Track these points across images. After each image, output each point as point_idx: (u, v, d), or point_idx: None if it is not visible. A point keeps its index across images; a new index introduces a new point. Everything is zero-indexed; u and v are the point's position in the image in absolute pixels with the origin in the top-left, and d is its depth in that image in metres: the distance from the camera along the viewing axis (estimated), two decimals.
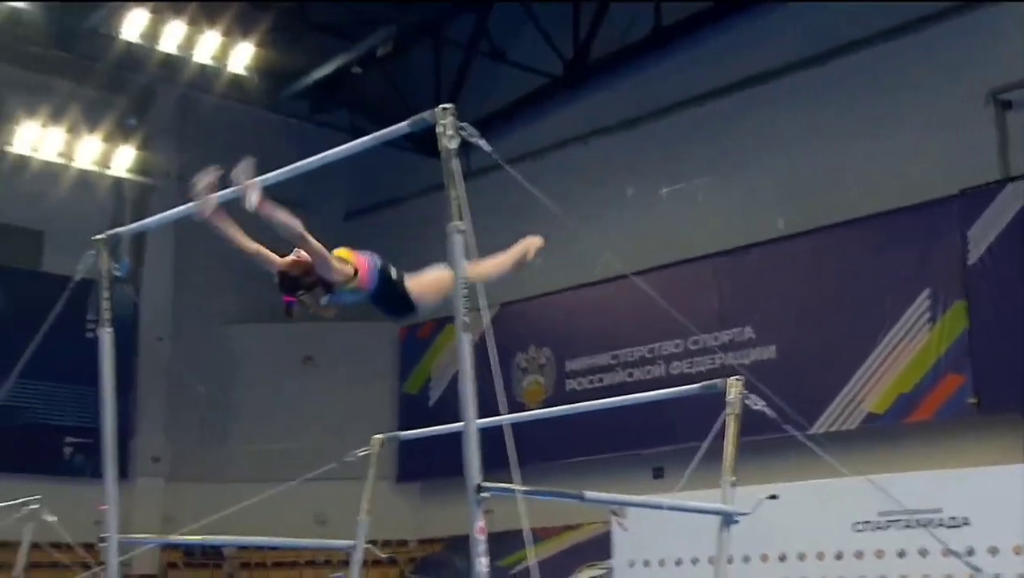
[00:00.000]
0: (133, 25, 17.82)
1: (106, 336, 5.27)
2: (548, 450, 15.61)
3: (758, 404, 4.93)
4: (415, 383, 20.83)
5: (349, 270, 4.81)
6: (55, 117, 19.20)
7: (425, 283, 4.89)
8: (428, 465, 18.60)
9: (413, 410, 20.10)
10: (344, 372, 21.10)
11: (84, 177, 19.78)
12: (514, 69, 19.16)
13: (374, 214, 22.61)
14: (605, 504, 4.44)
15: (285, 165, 5.32)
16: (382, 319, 23.65)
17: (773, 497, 5.89)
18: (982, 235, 14.02)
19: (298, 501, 13.12)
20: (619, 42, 18.32)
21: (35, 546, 8.58)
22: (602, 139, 18.84)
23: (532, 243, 5.12)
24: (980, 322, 13.89)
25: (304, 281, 4.74)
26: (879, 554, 11.42)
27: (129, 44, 18.17)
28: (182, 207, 4.95)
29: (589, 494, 4.26)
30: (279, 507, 10.83)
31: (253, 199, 4.65)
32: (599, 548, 15.23)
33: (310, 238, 4.78)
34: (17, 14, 17.34)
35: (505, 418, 4.44)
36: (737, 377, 4.91)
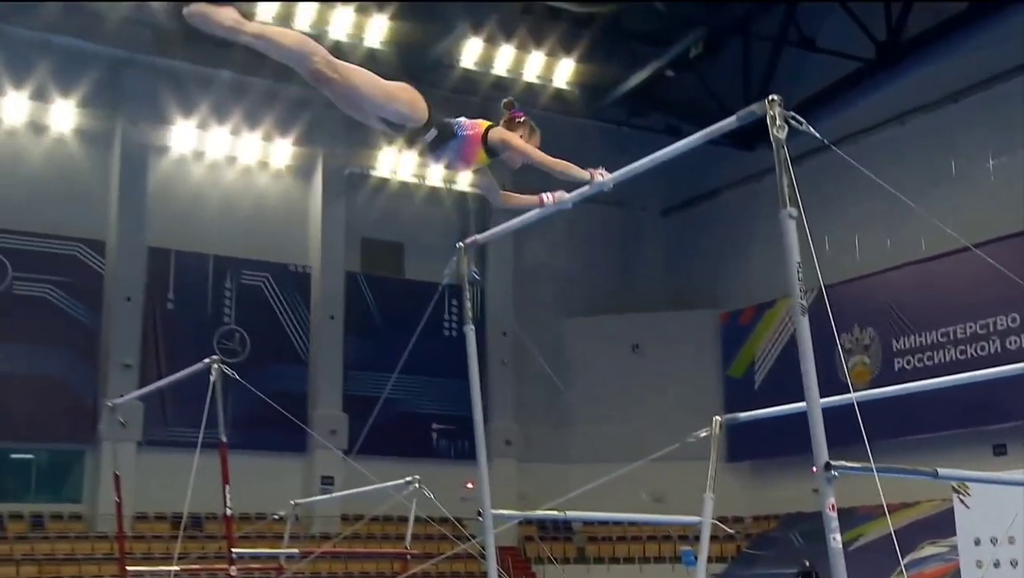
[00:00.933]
0: (470, 52, 18.81)
1: (470, 333, 5.55)
2: (883, 429, 14.81)
3: None
4: (739, 367, 20.50)
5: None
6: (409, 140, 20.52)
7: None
8: (758, 445, 18.23)
9: (738, 393, 19.81)
10: (670, 358, 21.15)
11: (434, 194, 21.09)
12: (822, 56, 18.40)
13: (689, 208, 22.48)
14: (959, 480, 4.15)
15: (607, 168, 5.35)
16: (703, 306, 23.30)
17: None
18: None
19: (636, 481, 13.27)
20: (933, 18, 17.12)
21: (416, 519, 9.16)
22: (920, 116, 17.73)
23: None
24: None
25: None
26: None
27: (466, 70, 19.16)
28: (526, 215, 5.11)
29: (943, 471, 4.00)
30: (618, 486, 10.99)
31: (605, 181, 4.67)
32: (940, 526, 14.31)
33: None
34: (371, 52, 18.67)
35: (850, 397, 4.24)
36: None
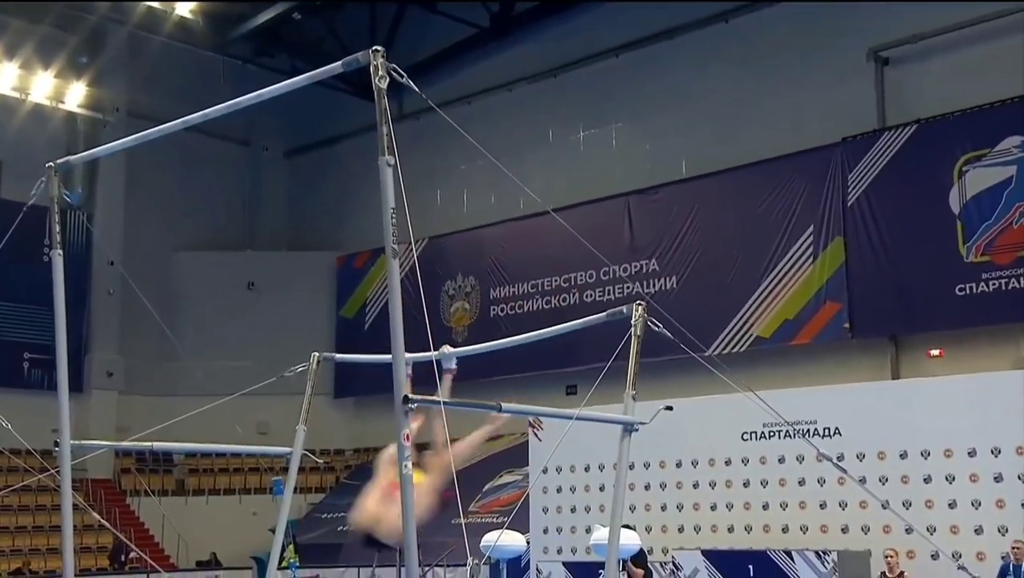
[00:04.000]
0: None
1: (57, 258, 5.11)
2: (470, 370, 15.66)
3: (658, 326, 5.00)
4: (352, 308, 20.74)
5: None
6: (9, 53, 18.50)
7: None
8: (362, 383, 18.64)
9: (350, 333, 20.05)
10: (285, 297, 20.95)
11: (39, 111, 19.12)
12: (445, 19, 18.87)
13: (312, 152, 22.27)
14: (520, 414, 4.50)
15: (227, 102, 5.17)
16: (320, 248, 23.35)
17: (669, 409, 5.99)
18: (860, 179, 14.31)
19: (243, 413, 13.03)
20: None
21: None
22: (525, 86, 18.73)
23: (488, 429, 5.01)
24: (856, 256, 14.26)
25: None
26: (763, 460, 11.77)
27: None
28: (129, 138, 4.79)
29: (506, 405, 4.29)
30: (225, 419, 10.75)
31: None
32: (517, 457, 15.46)
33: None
34: None
35: (431, 355, 4.44)
36: (639, 303, 4.96)
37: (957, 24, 13.93)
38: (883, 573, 10.37)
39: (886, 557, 10.30)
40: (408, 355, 4.32)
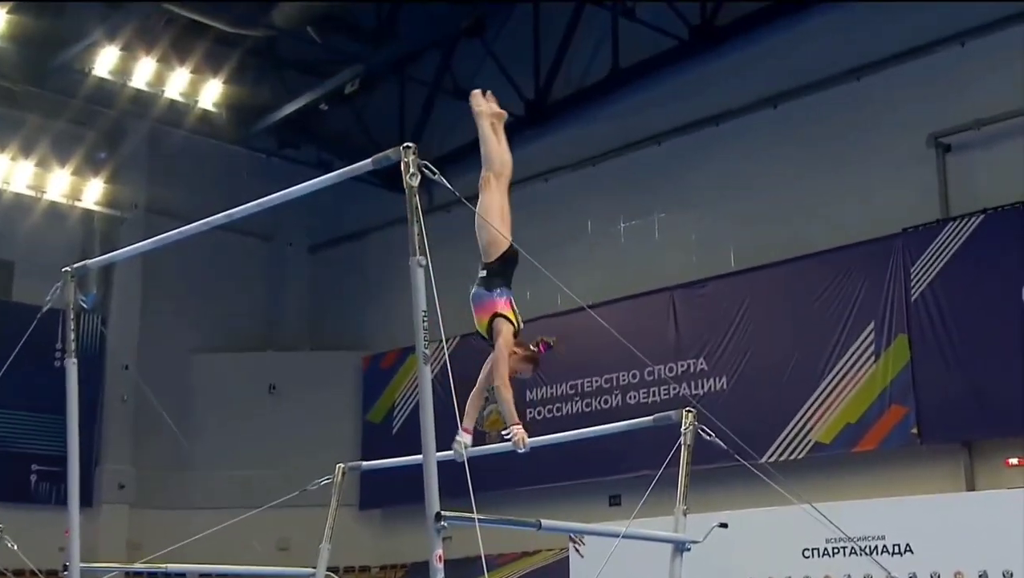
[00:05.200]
0: (104, 61, 17.77)
1: (71, 366, 5.21)
2: (508, 478, 15.57)
3: (710, 435, 4.96)
4: (379, 412, 20.71)
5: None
6: (25, 150, 19.06)
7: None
8: (390, 493, 18.48)
9: (376, 438, 19.99)
10: (308, 401, 20.96)
11: (54, 209, 19.62)
12: None
13: (338, 246, 22.58)
14: (561, 531, 4.44)
15: (252, 199, 5.30)
16: (345, 348, 23.32)
17: (723, 525, 5.91)
18: (924, 272, 14.24)
19: (263, 529, 13.01)
20: (579, 83, 18.53)
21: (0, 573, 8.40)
22: (562, 176, 18.95)
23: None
24: (922, 355, 14.07)
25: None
26: None
27: (100, 80, 18.11)
28: (149, 241, 4.90)
29: (546, 522, 4.26)
30: (244, 535, 10.72)
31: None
32: (557, 574, 15.19)
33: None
34: None
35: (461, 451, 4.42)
36: (689, 409, 4.94)
37: (1022, 110, 13.98)
38: None
39: None
40: (440, 454, 4.31)
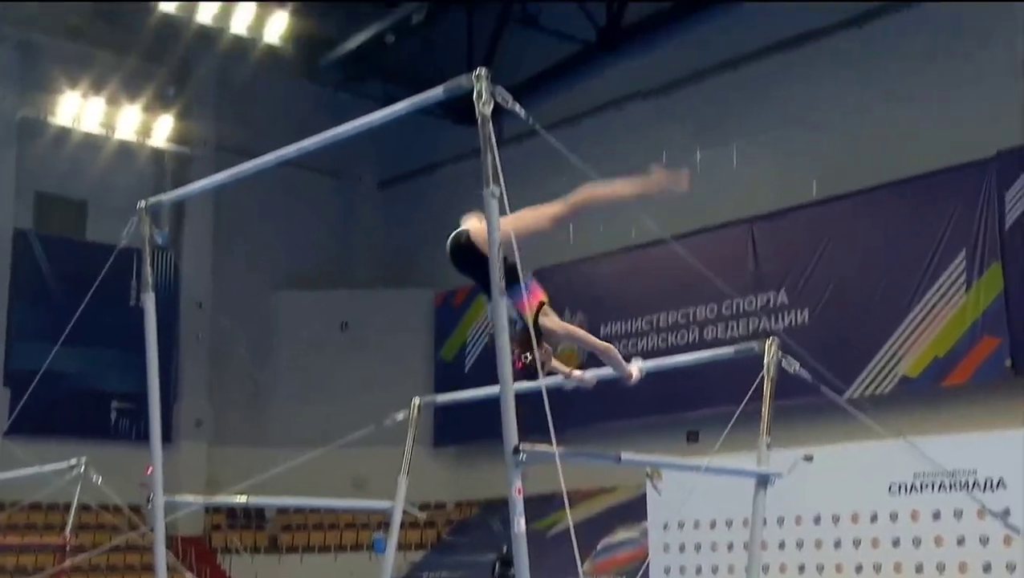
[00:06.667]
0: None
1: (149, 301, 5.31)
2: (585, 414, 15.63)
3: (794, 366, 4.89)
4: (451, 349, 20.91)
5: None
6: (96, 88, 19.35)
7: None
8: (465, 430, 18.70)
9: (449, 375, 20.18)
10: (381, 338, 21.24)
11: (125, 147, 19.99)
12: (547, 36, 19.00)
13: (407, 182, 22.64)
14: (641, 465, 4.45)
15: (319, 133, 5.30)
16: (418, 285, 23.41)
17: (808, 459, 5.86)
18: (1020, 197, 13.82)
19: (338, 465, 13.25)
20: (654, 6, 18.15)
21: (84, 508, 8.71)
22: (637, 104, 18.71)
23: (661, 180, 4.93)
24: (1017, 284, 13.73)
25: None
26: (914, 516, 11.38)
27: (167, 15, 18.27)
28: (219, 174, 4.95)
29: (625, 456, 4.26)
30: (320, 471, 10.94)
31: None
32: (634, 510, 15.28)
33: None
34: None
35: (540, 383, 4.41)
36: (772, 338, 4.87)
37: None
38: None
39: None
40: (517, 385, 4.28)
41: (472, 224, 4.72)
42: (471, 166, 4.29)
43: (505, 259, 4.30)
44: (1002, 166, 14.03)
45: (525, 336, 4.59)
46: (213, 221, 20.66)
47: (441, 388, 19.36)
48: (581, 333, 5.05)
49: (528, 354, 4.62)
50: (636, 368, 5.11)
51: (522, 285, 4.72)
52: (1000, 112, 14.46)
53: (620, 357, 5.06)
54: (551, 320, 4.96)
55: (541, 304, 4.94)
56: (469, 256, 4.64)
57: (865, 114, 15.90)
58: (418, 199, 22.39)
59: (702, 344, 16.39)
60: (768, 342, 4.84)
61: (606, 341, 4.92)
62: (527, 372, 4.67)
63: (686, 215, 16.87)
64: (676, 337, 17.41)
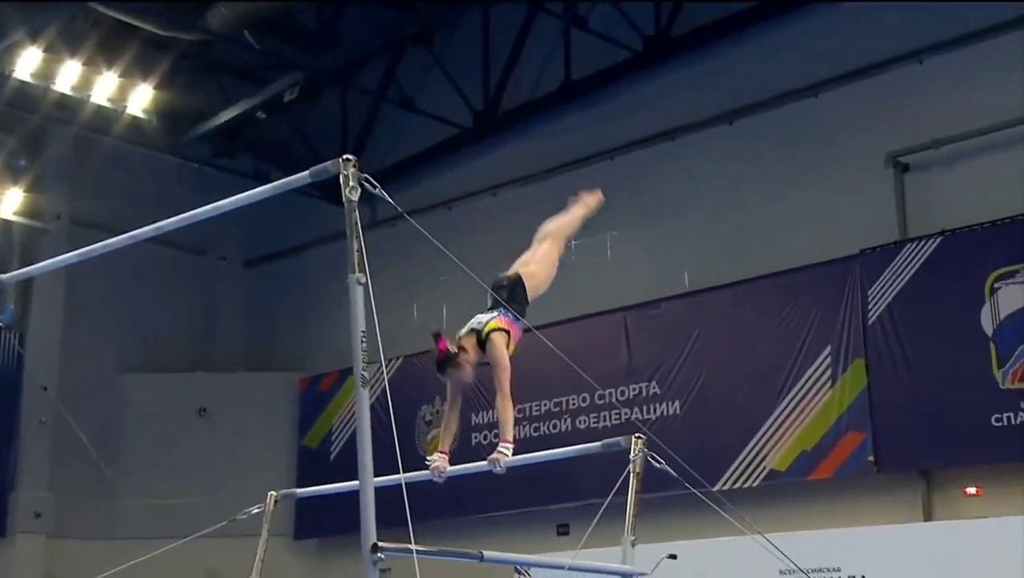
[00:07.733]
0: (26, 63, 17.52)
1: None
2: (451, 506, 15.53)
3: (660, 462, 4.99)
4: (316, 437, 20.53)
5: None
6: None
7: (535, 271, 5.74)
8: (326, 522, 18.35)
9: (313, 464, 19.81)
10: (241, 425, 20.75)
11: None
12: (423, 118, 19.25)
13: (275, 261, 22.41)
14: (505, 563, 4.45)
15: (184, 211, 5.25)
16: (282, 368, 22.99)
17: (672, 557, 5.95)
18: (881, 295, 14.44)
19: (190, 558, 12.80)
20: (529, 94, 18.61)
21: None
22: (511, 190, 18.99)
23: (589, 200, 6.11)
24: (879, 381, 14.25)
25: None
26: None
27: (22, 83, 17.87)
28: (69, 254, 4.83)
29: (488, 554, 4.25)
30: (171, 566, 10.57)
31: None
32: None
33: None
34: None
35: (401, 477, 4.39)
36: (638, 435, 4.97)
37: (982, 129, 14.24)
38: None
39: None
40: (377, 479, 4.29)
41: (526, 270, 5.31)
42: (342, 247, 4.30)
43: (524, 287, 5.08)
44: (865, 264, 14.67)
45: (475, 341, 5.29)
46: (64, 298, 19.99)
47: (305, 477, 18.96)
48: (507, 380, 5.68)
49: (460, 349, 5.16)
50: (503, 457, 5.35)
51: (517, 317, 5.49)
52: (864, 211, 15.17)
53: (511, 429, 5.49)
54: (501, 352, 5.62)
55: (509, 339, 5.64)
56: (513, 287, 5.06)
57: (736, 208, 16.48)
58: (286, 280, 22.16)
59: (575, 433, 16.49)
60: (634, 437, 4.93)
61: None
62: (442, 359, 5.22)
63: (560, 304, 17.12)
64: (549, 426, 17.48)
